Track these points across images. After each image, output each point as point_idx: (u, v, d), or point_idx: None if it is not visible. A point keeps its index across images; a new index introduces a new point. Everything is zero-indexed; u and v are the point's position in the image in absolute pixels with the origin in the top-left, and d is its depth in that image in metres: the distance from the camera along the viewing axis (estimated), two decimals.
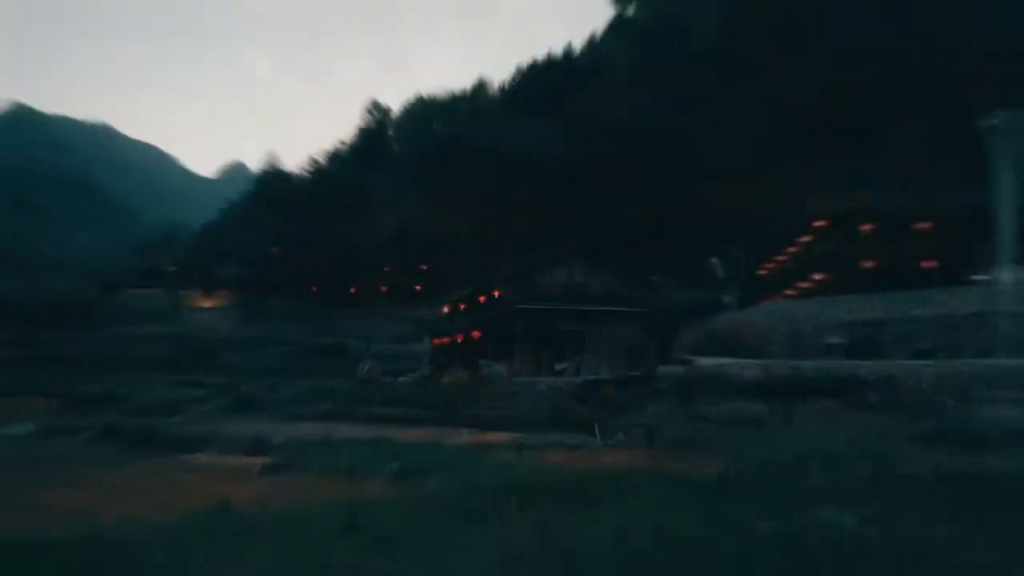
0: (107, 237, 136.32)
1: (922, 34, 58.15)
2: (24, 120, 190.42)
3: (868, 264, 31.73)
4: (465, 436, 17.91)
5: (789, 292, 36.67)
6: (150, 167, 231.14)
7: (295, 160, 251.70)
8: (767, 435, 15.92)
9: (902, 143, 52.23)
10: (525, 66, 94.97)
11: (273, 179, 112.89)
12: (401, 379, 31.94)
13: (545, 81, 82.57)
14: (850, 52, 62.83)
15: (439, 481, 11.15)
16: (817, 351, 27.01)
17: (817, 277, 33.76)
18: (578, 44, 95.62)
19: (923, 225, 31.96)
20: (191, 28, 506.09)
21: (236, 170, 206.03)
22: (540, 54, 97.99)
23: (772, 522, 7.18)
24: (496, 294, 34.88)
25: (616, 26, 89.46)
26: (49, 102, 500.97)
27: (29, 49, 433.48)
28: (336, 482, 12.17)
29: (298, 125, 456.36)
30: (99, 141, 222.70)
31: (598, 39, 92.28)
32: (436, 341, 45.49)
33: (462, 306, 43.10)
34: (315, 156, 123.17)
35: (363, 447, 15.41)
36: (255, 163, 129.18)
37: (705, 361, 25.07)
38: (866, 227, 32.56)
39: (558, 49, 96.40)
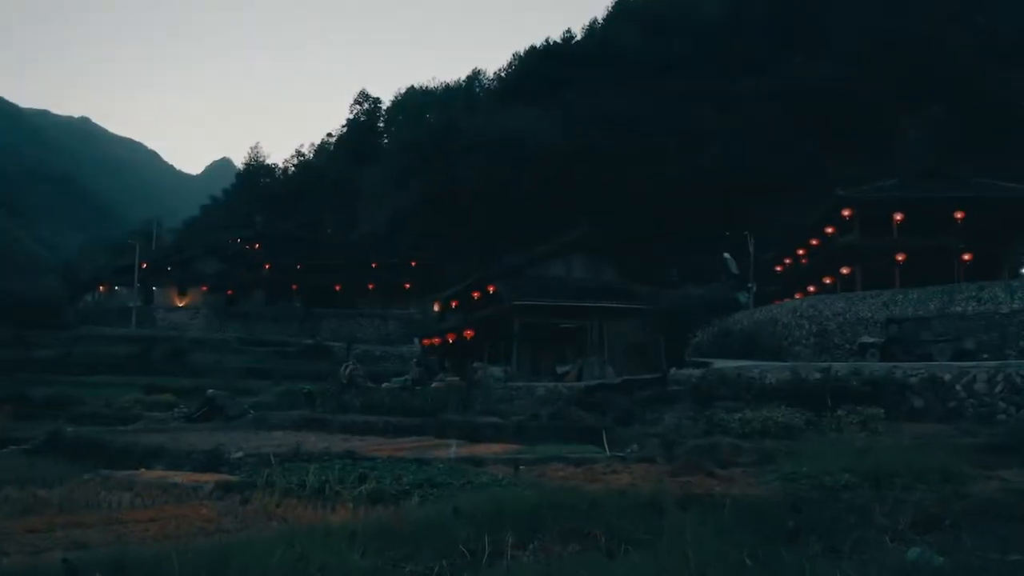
0: (90, 235, 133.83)
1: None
2: (5, 116, 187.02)
3: (898, 257, 29.39)
4: (453, 449, 15.70)
5: (811, 288, 34.55)
6: (135, 164, 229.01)
7: (283, 155, 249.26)
8: (805, 448, 14.38)
9: (916, 132, 51.13)
10: (523, 52, 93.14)
11: (256, 173, 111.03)
12: (386, 384, 29.84)
13: (544, 69, 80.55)
14: (859, 43, 61.86)
15: (419, 504, 9.48)
16: (845, 351, 24.97)
17: (843, 271, 31.47)
18: (578, 30, 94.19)
19: (957, 214, 29.68)
20: (177, 23, 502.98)
21: (222, 167, 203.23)
22: (538, 41, 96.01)
23: (853, 567, 5.85)
24: (491, 290, 32.41)
25: (617, 13, 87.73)
26: (31, 98, 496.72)
27: (11, 45, 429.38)
28: (297, 506, 10.14)
29: (287, 121, 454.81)
30: (82, 138, 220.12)
31: (599, 25, 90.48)
32: (426, 342, 43.29)
33: (454, 304, 40.75)
34: (301, 150, 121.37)
35: (336, 462, 13.48)
36: (242, 160, 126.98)
37: (723, 363, 22.96)
38: (896, 217, 30.27)
39: (556, 35, 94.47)
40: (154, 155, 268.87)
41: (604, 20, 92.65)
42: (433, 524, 7.37)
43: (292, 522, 8.99)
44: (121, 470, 15.90)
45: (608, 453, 15.64)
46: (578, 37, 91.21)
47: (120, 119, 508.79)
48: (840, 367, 20.52)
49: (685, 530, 6.86)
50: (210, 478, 13.51)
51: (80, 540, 8.52)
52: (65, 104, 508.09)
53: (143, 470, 16.17)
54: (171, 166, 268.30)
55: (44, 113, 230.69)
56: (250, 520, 9.43)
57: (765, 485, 11.41)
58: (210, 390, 27.07)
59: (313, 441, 18.83)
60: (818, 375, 19.93)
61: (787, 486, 11.13)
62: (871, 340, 23.46)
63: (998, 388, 18.12)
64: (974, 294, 24.29)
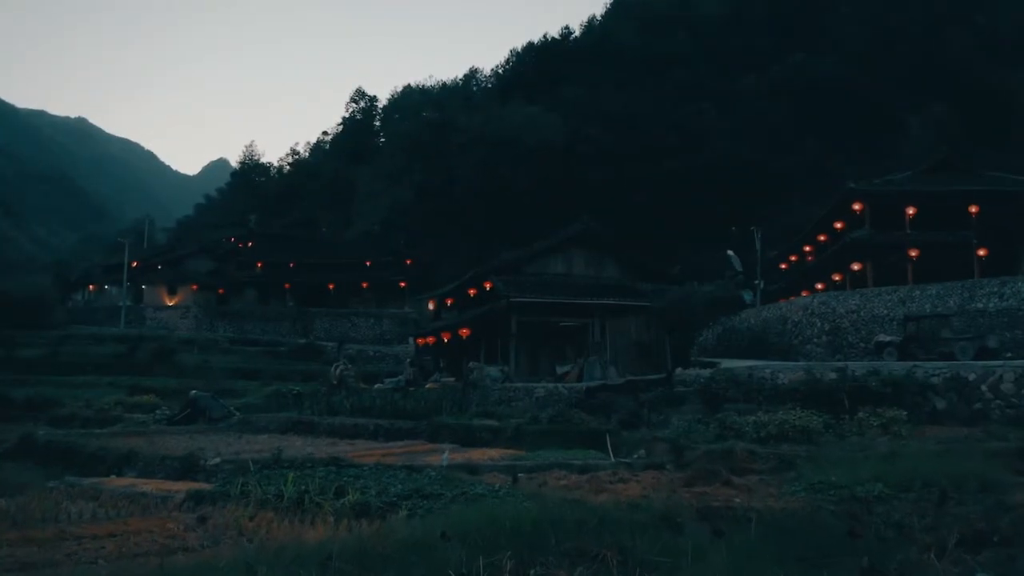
0: (86, 235, 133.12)
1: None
2: (2, 116, 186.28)
3: (912, 252, 28.29)
4: (446, 455, 14.77)
5: (819, 285, 33.54)
6: (132, 164, 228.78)
7: (280, 154, 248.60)
8: (826, 453, 13.84)
9: (917, 129, 50.81)
10: (520, 49, 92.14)
11: (251, 172, 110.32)
12: (378, 385, 28.78)
13: (542, 66, 79.78)
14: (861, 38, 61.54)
15: (407, 519, 8.77)
16: (860, 351, 23.96)
17: (854, 267, 30.35)
18: (576, 27, 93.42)
19: (971, 208, 28.60)
20: (175, 23, 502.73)
21: (219, 167, 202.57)
22: (536, 37, 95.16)
23: None
24: (488, 287, 31.17)
25: (616, 9, 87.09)
26: (27, 98, 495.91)
27: (8, 45, 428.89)
28: (273, 520, 9.44)
29: (285, 120, 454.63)
30: (79, 138, 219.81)
31: (597, 22, 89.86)
32: (421, 341, 42.11)
33: (450, 302, 39.54)
34: (296, 148, 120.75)
35: (319, 469, 12.69)
36: (237, 159, 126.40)
37: (731, 363, 21.97)
38: (908, 211, 29.19)
39: (554, 31, 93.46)
40: (151, 155, 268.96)
41: (603, 16, 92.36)
42: (421, 544, 6.62)
43: (262, 540, 8.39)
44: (91, 477, 15.13)
45: (613, 459, 14.86)
46: (576, 34, 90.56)
47: (117, 119, 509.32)
48: (857, 367, 19.76)
49: (708, 551, 6.17)
50: (182, 487, 12.87)
51: (25, 559, 7.95)
52: (61, 104, 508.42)
53: (113, 477, 15.35)
54: (168, 166, 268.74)
55: (40, 113, 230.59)
56: (219, 536, 8.94)
57: (789, 496, 10.64)
58: (193, 391, 26.13)
59: (299, 445, 18.08)
60: (834, 375, 19.24)
61: (813, 497, 10.38)
62: (888, 338, 22.50)
63: None
64: (996, 290, 23.32)
